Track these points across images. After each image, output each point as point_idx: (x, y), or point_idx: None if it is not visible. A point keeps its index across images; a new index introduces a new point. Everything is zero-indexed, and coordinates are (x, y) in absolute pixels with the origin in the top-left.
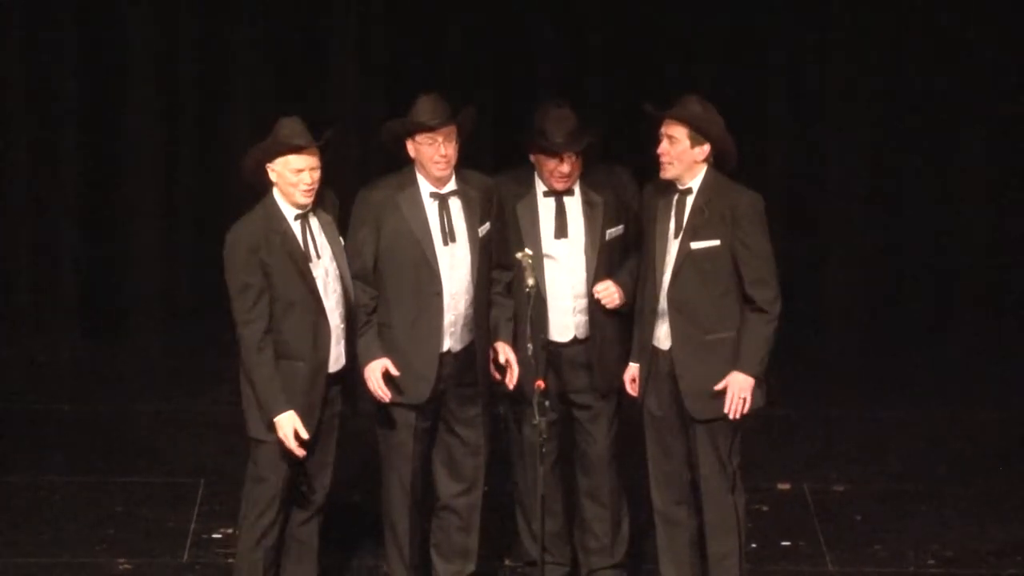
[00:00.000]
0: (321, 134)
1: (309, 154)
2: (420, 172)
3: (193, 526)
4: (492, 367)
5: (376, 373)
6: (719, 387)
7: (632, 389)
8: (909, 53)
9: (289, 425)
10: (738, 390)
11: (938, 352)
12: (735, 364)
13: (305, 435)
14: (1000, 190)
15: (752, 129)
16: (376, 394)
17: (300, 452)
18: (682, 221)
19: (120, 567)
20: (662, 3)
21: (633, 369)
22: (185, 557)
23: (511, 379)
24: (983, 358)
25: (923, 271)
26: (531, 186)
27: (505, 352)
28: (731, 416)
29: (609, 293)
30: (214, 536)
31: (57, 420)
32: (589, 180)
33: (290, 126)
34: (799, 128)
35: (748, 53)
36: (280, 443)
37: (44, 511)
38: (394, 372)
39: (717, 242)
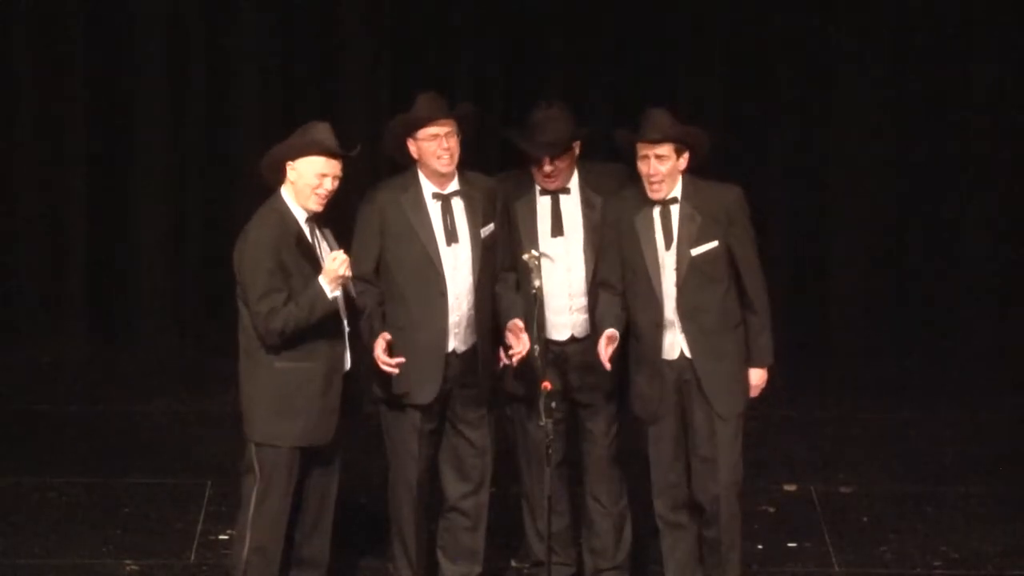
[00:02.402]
0: (348, 146)
1: (336, 161)
2: (423, 172)
3: (200, 527)
4: (503, 358)
5: (379, 348)
6: (741, 385)
7: (606, 355)
8: (914, 51)
9: (326, 280)
10: (760, 384)
11: (945, 354)
12: (748, 362)
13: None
14: (1008, 191)
15: (756, 130)
16: (383, 367)
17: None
18: (671, 231)
19: (127, 568)
20: (669, 7)
21: (608, 332)
22: (192, 558)
23: (523, 350)
24: (990, 359)
25: (929, 272)
26: (530, 186)
27: (516, 327)
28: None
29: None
30: (221, 537)
31: (64, 421)
32: (590, 180)
33: (323, 130)
34: (804, 130)
35: (752, 55)
36: (287, 450)
37: (51, 512)
38: (387, 337)
39: (715, 243)
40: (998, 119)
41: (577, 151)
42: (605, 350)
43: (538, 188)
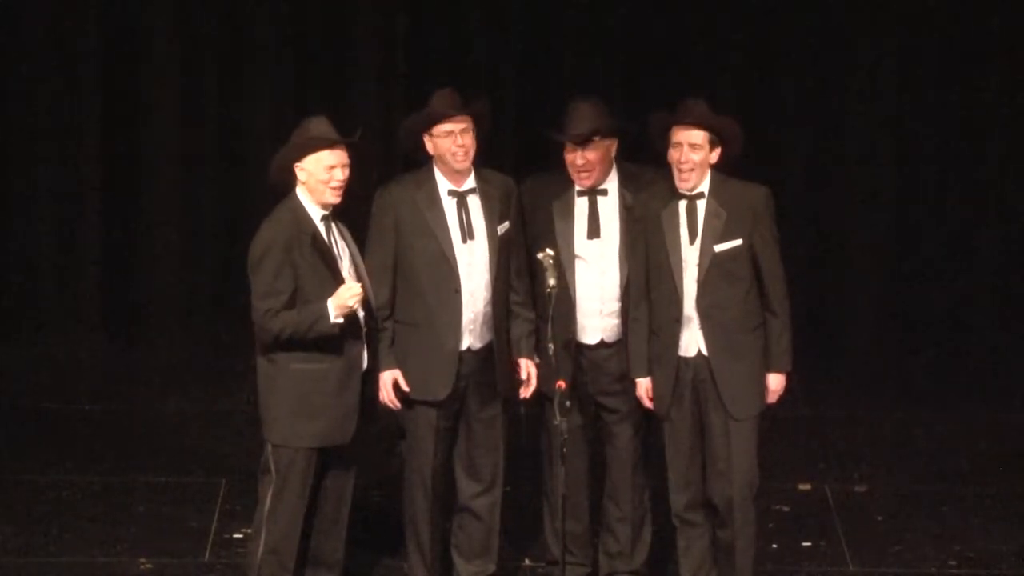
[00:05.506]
0: (348, 133)
1: (341, 151)
2: (439, 169)
3: (215, 526)
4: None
5: (388, 383)
6: (759, 388)
7: (650, 404)
8: (926, 58)
9: (335, 304)
10: (778, 389)
11: (960, 353)
12: (768, 366)
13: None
14: (1016, 193)
15: (773, 134)
16: (388, 404)
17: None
18: (696, 226)
19: (141, 567)
20: (684, 7)
21: (645, 383)
22: (207, 557)
23: (526, 392)
24: (1005, 359)
25: (945, 273)
26: (568, 187)
27: (527, 368)
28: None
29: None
30: (235, 536)
31: (79, 420)
32: (628, 183)
33: (320, 124)
34: (820, 134)
35: (768, 57)
36: (304, 451)
37: (65, 510)
38: (404, 387)
39: (740, 241)
40: (1008, 121)
41: (613, 150)
42: (647, 398)
43: (576, 189)
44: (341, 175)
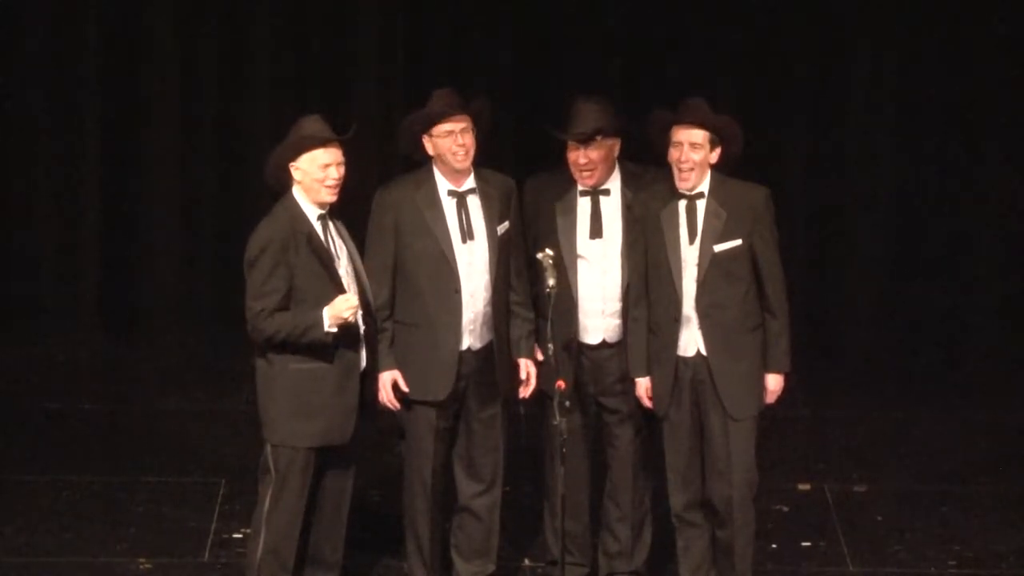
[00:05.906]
0: (342, 131)
1: (335, 149)
2: (438, 169)
3: (214, 525)
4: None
5: (388, 383)
6: (757, 388)
7: (649, 403)
8: (930, 58)
9: (329, 313)
10: (777, 390)
11: (960, 353)
12: (766, 366)
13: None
14: (1018, 193)
15: (773, 134)
16: (387, 405)
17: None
18: (696, 226)
19: (141, 567)
20: (683, 5)
21: (645, 383)
22: (206, 557)
23: (526, 392)
24: (1006, 359)
25: (946, 272)
26: (570, 186)
27: (527, 368)
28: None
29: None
30: (235, 536)
31: (78, 419)
32: (631, 183)
33: (313, 122)
34: (821, 133)
35: (768, 57)
36: (303, 450)
37: (65, 510)
38: (403, 388)
39: (739, 241)
40: (1008, 121)
41: (616, 150)
42: (646, 398)
43: (578, 189)
44: (336, 173)
